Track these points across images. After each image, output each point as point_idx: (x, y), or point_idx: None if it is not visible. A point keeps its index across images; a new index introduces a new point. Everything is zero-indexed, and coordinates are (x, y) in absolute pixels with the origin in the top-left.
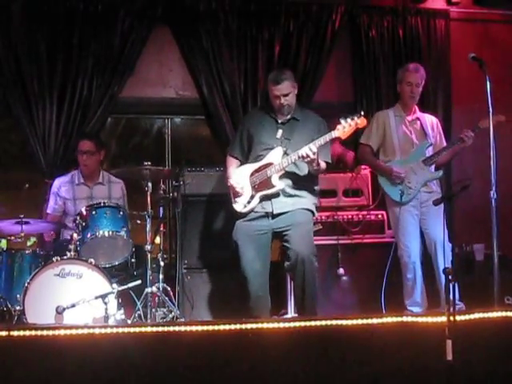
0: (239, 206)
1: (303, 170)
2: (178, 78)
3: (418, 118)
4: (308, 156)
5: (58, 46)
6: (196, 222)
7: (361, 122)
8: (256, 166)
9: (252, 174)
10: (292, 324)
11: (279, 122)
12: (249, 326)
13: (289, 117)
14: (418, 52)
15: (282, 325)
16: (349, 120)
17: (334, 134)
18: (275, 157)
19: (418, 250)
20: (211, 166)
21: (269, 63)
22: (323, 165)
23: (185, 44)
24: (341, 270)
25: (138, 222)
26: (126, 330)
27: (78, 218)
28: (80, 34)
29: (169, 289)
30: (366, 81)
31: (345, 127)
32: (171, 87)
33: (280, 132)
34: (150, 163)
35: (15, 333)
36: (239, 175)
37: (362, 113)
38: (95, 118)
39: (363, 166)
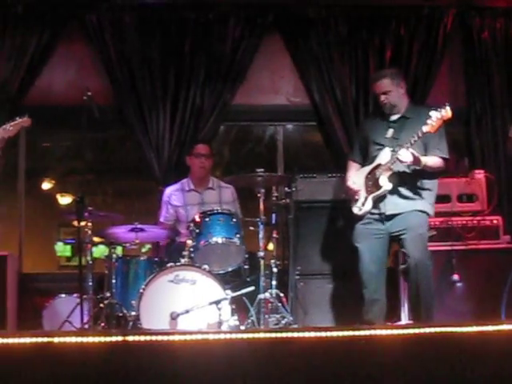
0: (356, 208)
1: (414, 168)
2: (290, 84)
3: None
4: (404, 160)
5: (170, 55)
6: (308, 228)
7: (446, 113)
8: (370, 167)
9: (367, 177)
10: (405, 331)
11: (390, 120)
12: (362, 332)
13: (399, 115)
14: None
15: (395, 332)
16: (436, 113)
17: (425, 129)
18: (383, 157)
19: None
20: (323, 172)
21: (380, 68)
22: (433, 161)
23: (296, 51)
24: (455, 277)
25: (251, 228)
26: (239, 336)
27: (192, 224)
28: (192, 42)
29: (282, 295)
30: (478, 84)
31: (433, 121)
32: (283, 94)
33: (390, 131)
34: (262, 170)
35: (130, 338)
36: (356, 178)
37: (447, 104)
38: (208, 126)
39: (477, 171)
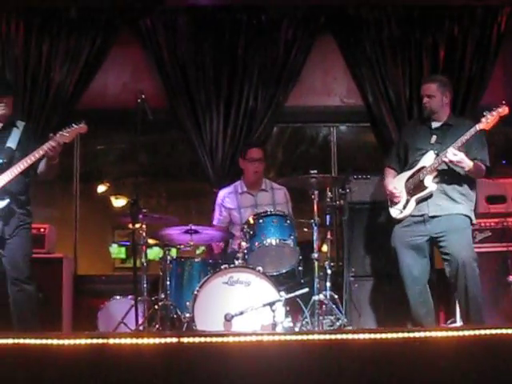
0: (396, 212)
1: (458, 172)
2: (343, 85)
3: None
4: (452, 159)
5: (223, 57)
6: (363, 229)
7: (503, 110)
8: (411, 172)
9: (407, 181)
10: (460, 333)
11: (433, 128)
12: (416, 334)
13: (441, 123)
14: None
15: (449, 333)
16: (491, 112)
17: (479, 126)
18: (427, 160)
19: None
20: (377, 174)
21: (433, 69)
22: (477, 167)
23: (348, 52)
24: (511, 278)
25: (305, 229)
26: (293, 337)
27: (246, 226)
28: (245, 44)
29: (336, 297)
30: None
31: (488, 118)
32: (336, 95)
33: (434, 138)
34: (316, 171)
35: (185, 339)
36: (397, 183)
37: (504, 101)
38: (261, 128)
39: None
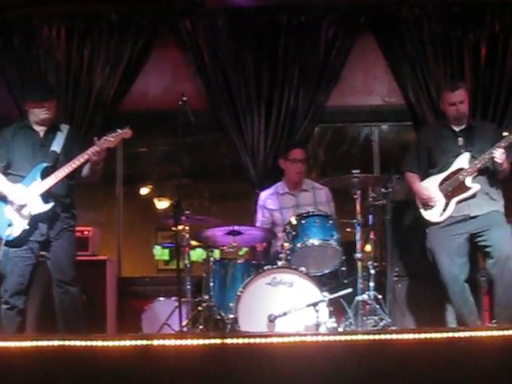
0: (434, 215)
1: (494, 171)
2: (384, 84)
3: None
4: (501, 158)
5: (263, 57)
6: (406, 228)
7: None
8: (444, 174)
9: (441, 183)
10: (505, 332)
11: (457, 130)
12: (461, 334)
13: (465, 125)
14: None
15: (494, 333)
16: None
17: None
18: (463, 162)
19: None
20: None
21: (475, 66)
22: (510, 167)
23: (389, 50)
24: None
25: (348, 229)
26: (337, 337)
27: (288, 227)
28: (285, 45)
29: (380, 297)
30: None
31: None
32: (377, 94)
33: (461, 140)
34: (358, 171)
35: (228, 340)
36: (429, 187)
37: None
38: (302, 128)
39: None
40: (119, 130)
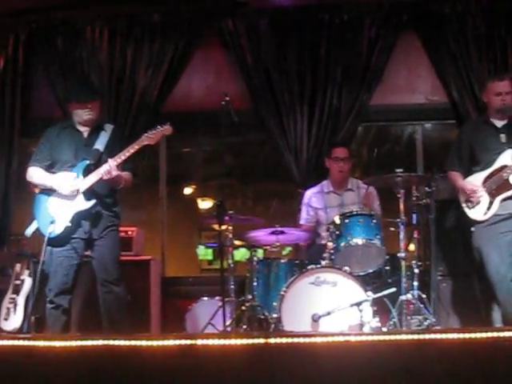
0: (479, 214)
1: None
2: (427, 83)
3: None
4: None
5: (306, 57)
6: (450, 227)
7: None
8: (487, 172)
9: (485, 181)
10: None
11: (499, 126)
12: (506, 333)
13: (506, 120)
14: None
15: None
16: None
17: None
18: (506, 159)
19: None
20: None
21: None
22: None
23: (432, 49)
24: None
25: (392, 229)
26: (381, 337)
27: (332, 226)
28: (327, 44)
29: (424, 296)
30: None
31: None
32: (420, 93)
33: (503, 136)
34: (401, 170)
35: (272, 340)
36: (473, 185)
37: None
38: (345, 127)
39: None
40: (159, 127)
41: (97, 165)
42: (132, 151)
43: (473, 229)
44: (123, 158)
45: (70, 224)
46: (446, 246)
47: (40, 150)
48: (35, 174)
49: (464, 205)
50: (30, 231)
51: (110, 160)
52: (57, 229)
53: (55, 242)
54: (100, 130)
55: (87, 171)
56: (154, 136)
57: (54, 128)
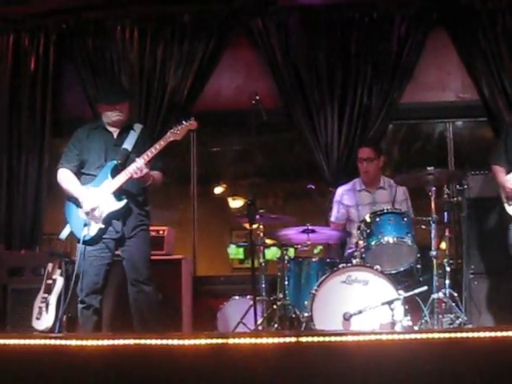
0: None
1: None
2: (458, 80)
3: None
4: None
5: (336, 55)
6: (482, 225)
7: None
8: None
9: None
10: None
11: None
12: None
13: None
14: None
15: None
16: None
17: None
18: None
19: None
20: None
21: None
22: None
23: (463, 46)
24: None
25: (423, 227)
26: (413, 336)
27: (362, 224)
28: (357, 42)
29: (455, 294)
30: None
31: None
32: (451, 90)
33: None
34: (432, 168)
35: (304, 339)
36: None
37: None
38: (376, 126)
39: None
40: (184, 122)
41: (124, 164)
42: (159, 148)
43: (511, 226)
44: (150, 155)
45: (103, 226)
46: (478, 244)
47: (69, 150)
48: (64, 179)
49: (505, 201)
50: (64, 235)
51: (137, 159)
52: (91, 231)
53: (88, 243)
54: (129, 129)
55: (115, 171)
56: (179, 132)
57: (84, 129)
